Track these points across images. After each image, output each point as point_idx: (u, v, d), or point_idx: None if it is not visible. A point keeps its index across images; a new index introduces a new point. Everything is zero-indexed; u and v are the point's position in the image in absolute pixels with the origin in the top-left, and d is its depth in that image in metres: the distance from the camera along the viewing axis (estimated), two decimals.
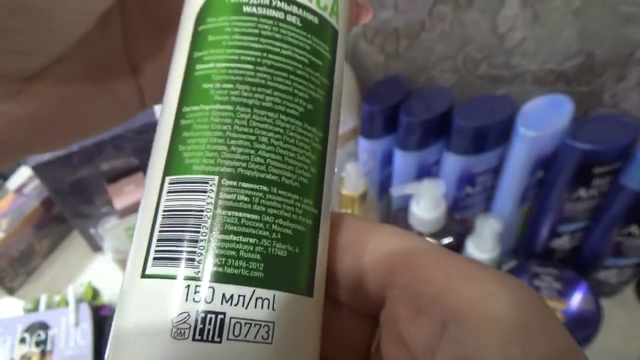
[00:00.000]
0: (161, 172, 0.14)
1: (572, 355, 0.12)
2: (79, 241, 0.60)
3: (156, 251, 0.13)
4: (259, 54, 0.15)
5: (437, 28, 0.47)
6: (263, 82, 0.14)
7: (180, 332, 0.12)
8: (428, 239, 0.35)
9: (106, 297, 0.51)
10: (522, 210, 0.50)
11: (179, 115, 0.15)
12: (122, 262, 0.54)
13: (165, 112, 0.15)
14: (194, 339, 0.12)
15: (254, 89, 0.14)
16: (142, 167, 0.53)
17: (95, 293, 0.51)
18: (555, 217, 0.47)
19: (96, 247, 0.59)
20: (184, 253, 0.13)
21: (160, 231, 0.13)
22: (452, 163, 0.48)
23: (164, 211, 0.14)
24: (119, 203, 0.51)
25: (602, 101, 0.48)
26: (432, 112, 0.46)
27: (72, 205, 0.54)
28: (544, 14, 0.43)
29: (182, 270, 0.13)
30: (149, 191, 0.14)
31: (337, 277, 0.15)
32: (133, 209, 0.50)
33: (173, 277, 0.13)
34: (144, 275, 0.13)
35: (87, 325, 0.45)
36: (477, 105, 0.46)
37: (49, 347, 0.44)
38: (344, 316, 0.17)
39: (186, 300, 0.12)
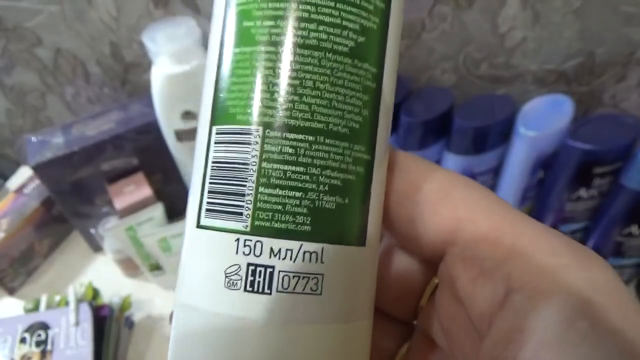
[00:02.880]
0: (208, 120, 0.14)
1: None
2: (79, 241, 0.60)
3: (208, 203, 0.13)
4: None
5: (437, 28, 0.47)
6: (306, 15, 0.13)
7: (233, 282, 0.13)
8: None
9: (106, 297, 0.51)
10: (522, 210, 0.50)
11: (221, 58, 0.14)
12: (122, 262, 0.54)
13: (210, 56, 0.14)
14: (245, 290, 0.13)
15: (296, 24, 0.13)
16: (142, 167, 0.53)
17: (95, 293, 0.51)
18: (556, 217, 0.47)
19: (96, 247, 0.59)
20: (233, 207, 0.13)
21: (210, 183, 0.13)
22: (452, 163, 0.48)
23: (213, 162, 0.13)
24: (119, 203, 0.51)
25: (602, 101, 0.48)
26: (432, 112, 0.46)
27: (72, 205, 0.54)
28: (544, 14, 0.43)
29: (231, 223, 0.13)
30: (200, 140, 0.14)
31: (391, 223, 0.15)
32: (133, 209, 0.50)
33: (223, 230, 0.13)
34: (198, 226, 0.13)
35: (87, 325, 0.45)
36: (477, 105, 0.46)
37: (49, 347, 0.44)
38: (398, 260, 0.16)
39: (236, 253, 0.13)
